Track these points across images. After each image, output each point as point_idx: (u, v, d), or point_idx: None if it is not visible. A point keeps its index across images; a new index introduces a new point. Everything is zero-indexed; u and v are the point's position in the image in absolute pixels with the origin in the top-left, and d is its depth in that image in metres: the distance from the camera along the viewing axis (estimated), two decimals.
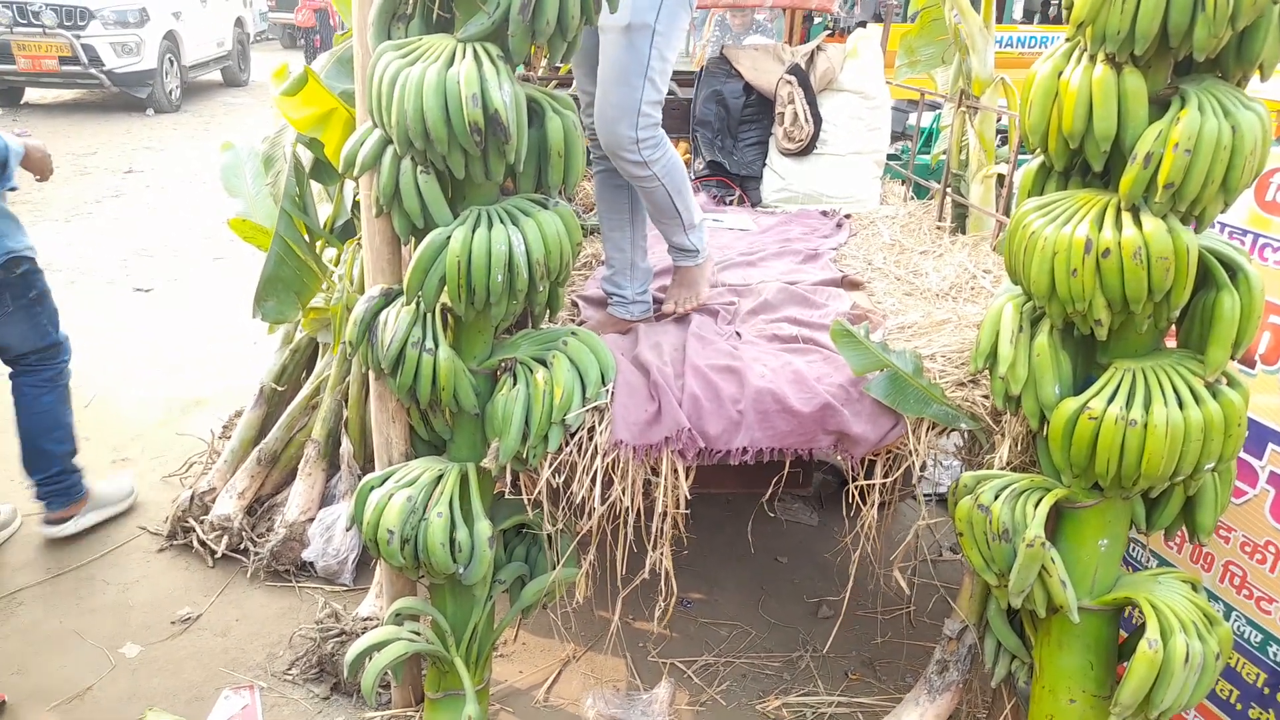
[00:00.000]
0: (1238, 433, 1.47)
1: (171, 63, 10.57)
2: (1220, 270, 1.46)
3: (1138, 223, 1.42)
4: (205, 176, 7.08)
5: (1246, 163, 1.37)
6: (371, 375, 1.97)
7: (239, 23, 12.93)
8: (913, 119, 4.20)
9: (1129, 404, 1.47)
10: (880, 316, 2.32)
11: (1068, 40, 1.47)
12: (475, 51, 1.67)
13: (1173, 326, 1.61)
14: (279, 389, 3.03)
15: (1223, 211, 1.48)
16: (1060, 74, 1.47)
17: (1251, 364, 1.81)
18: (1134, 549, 2.11)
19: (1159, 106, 1.43)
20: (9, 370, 2.70)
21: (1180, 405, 1.45)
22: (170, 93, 10.52)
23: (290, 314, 2.58)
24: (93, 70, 9.47)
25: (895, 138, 4.67)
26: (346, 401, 2.78)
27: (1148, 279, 1.41)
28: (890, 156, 4.03)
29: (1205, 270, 1.49)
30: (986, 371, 1.79)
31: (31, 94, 10.55)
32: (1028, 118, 1.52)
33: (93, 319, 4.53)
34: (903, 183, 3.73)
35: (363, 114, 1.88)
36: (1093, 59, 1.43)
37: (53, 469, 2.69)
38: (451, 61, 1.66)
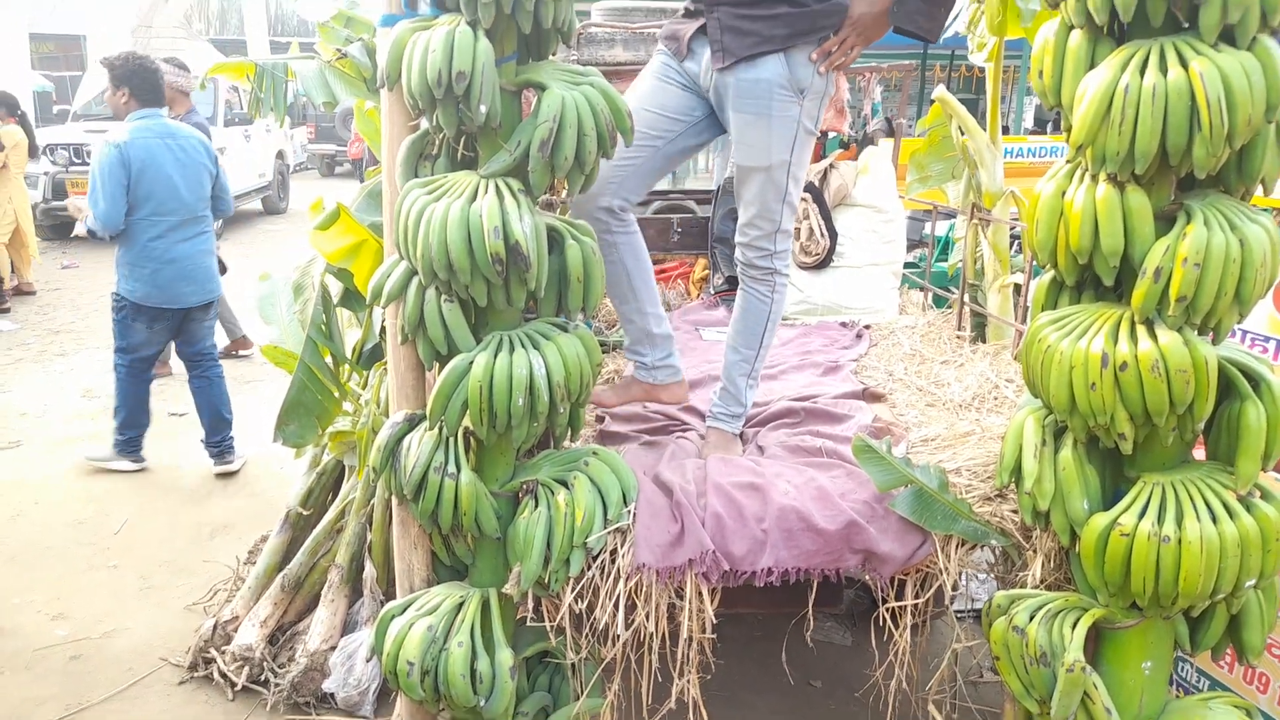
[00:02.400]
0: (1276, 548, 1.42)
1: None
2: (1242, 381, 1.45)
3: (1153, 336, 1.43)
4: (243, 303, 7.30)
5: (1258, 275, 1.38)
6: (394, 501, 1.98)
7: (280, 155, 13.61)
8: (928, 228, 4.29)
9: (1160, 519, 1.43)
10: (903, 429, 2.31)
11: (1068, 161, 1.51)
12: (497, 186, 1.75)
13: (1200, 437, 1.59)
14: (304, 513, 3.04)
15: (1239, 322, 1.48)
16: (1064, 193, 1.51)
17: None
18: (1183, 667, 2.02)
19: (1165, 222, 1.46)
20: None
21: (1214, 520, 1.41)
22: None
23: (310, 438, 2.62)
24: None
25: (912, 246, 4.74)
26: (371, 524, 2.78)
27: (1168, 392, 1.40)
28: (908, 265, 4.09)
29: (1228, 381, 1.48)
30: (1013, 486, 1.76)
31: (81, 227, 11.08)
32: (1035, 236, 1.55)
33: None
34: (921, 290, 3.77)
35: (390, 247, 1.96)
36: (1095, 178, 1.46)
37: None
38: (475, 196, 1.73)
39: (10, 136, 7.47)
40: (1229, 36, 1.35)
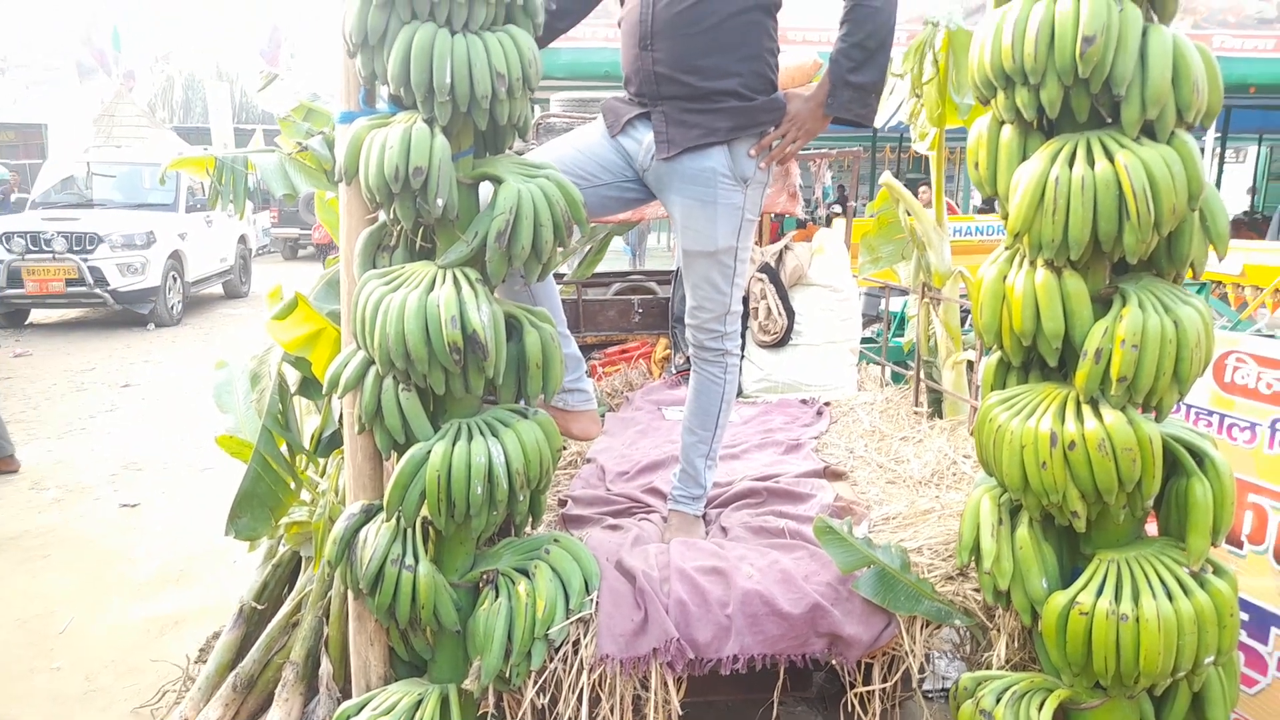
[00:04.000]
0: (1231, 623, 1.44)
1: (175, 279, 11.02)
2: (1188, 458, 1.48)
3: (1098, 415, 1.46)
4: (200, 388, 7.20)
5: (1193, 354, 1.43)
6: (350, 596, 1.93)
7: (242, 239, 13.60)
8: (883, 303, 4.40)
9: (1117, 597, 1.45)
10: (864, 508, 2.32)
11: (1007, 248, 1.57)
12: (455, 276, 1.77)
13: (1153, 512, 1.61)
14: (259, 607, 2.94)
15: (1180, 400, 1.53)
16: (1005, 278, 1.56)
17: (1239, 544, 1.80)
18: None
19: (1102, 304, 1.51)
20: None
21: (1170, 597, 1.43)
22: (172, 308, 10.89)
23: (264, 531, 2.56)
24: (98, 290, 9.85)
25: (868, 321, 4.84)
26: (328, 618, 2.69)
27: (1116, 470, 1.43)
28: (865, 339, 4.16)
29: (1174, 458, 1.52)
30: (974, 565, 1.77)
31: (37, 314, 10.91)
32: (980, 319, 1.60)
33: (74, 539, 4.46)
34: (879, 365, 3.83)
35: (348, 337, 1.96)
36: (1033, 264, 1.51)
37: None
38: (432, 286, 1.75)
39: None
40: (1149, 131, 1.43)
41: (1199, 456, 1.50)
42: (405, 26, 1.66)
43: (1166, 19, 1.49)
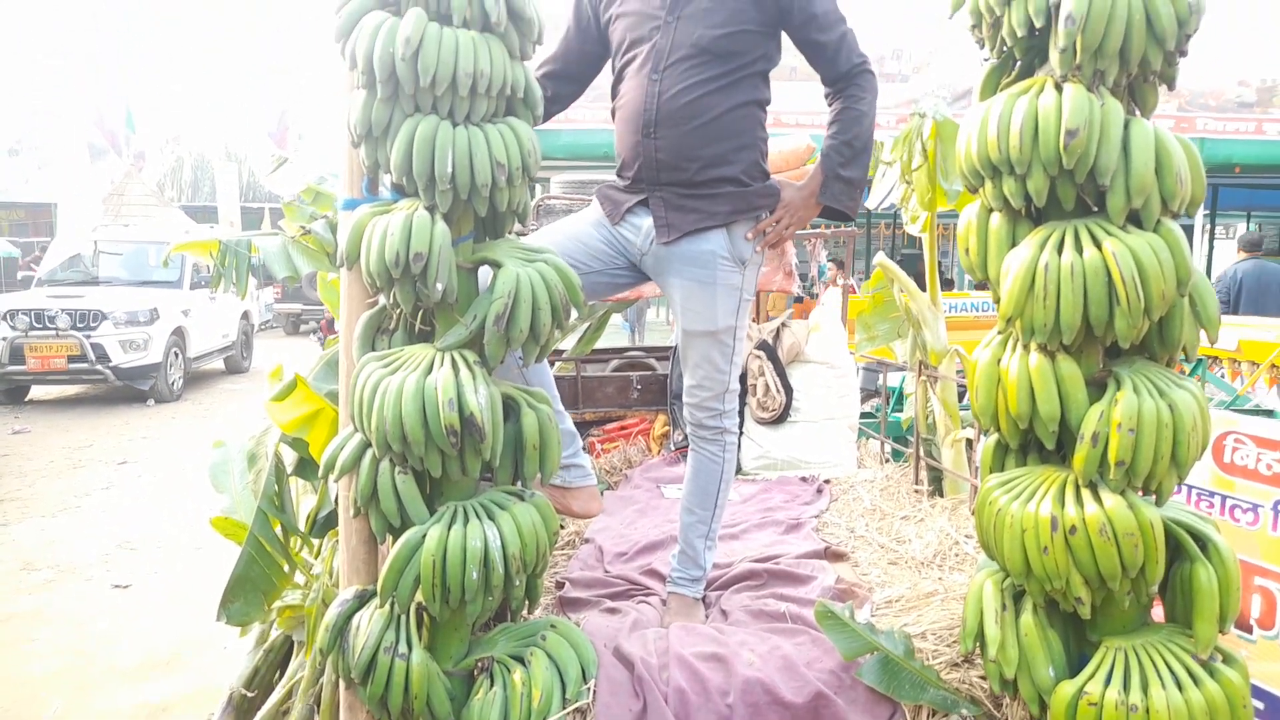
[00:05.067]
0: (1245, 714, 1.40)
1: (177, 355, 11.07)
2: (1190, 543, 1.47)
3: (1098, 499, 1.45)
4: (197, 466, 7.15)
5: (1190, 438, 1.43)
6: (342, 684, 1.88)
7: (245, 315, 13.71)
8: (882, 378, 4.42)
9: (1126, 687, 1.41)
10: (866, 591, 2.28)
11: (999, 332, 1.58)
12: (453, 359, 1.78)
13: (1159, 596, 1.59)
14: (249, 694, 2.86)
15: (1180, 482, 1.52)
16: (999, 361, 1.57)
17: (1249, 629, 1.77)
18: None
19: (1096, 388, 1.51)
20: None
21: (1179, 687, 1.39)
22: (173, 384, 10.91)
23: (256, 616, 2.51)
24: (99, 367, 9.88)
25: (867, 396, 4.85)
26: (319, 706, 2.62)
27: (1119, 556, 1.41)
28: (864, 414, 4.16)
29: (1178, 542, 1.50)
30: (979, 651, 1.73)
31: (37, 390, 10.92)
32: (976, 401, 1.60)
33: (64, 622, 4.38)
34: (879, 441, 3.82)
35: (345, 420, 1.96)
36: (1026, 348, 1.53)
37: None
38: (430, 369, 1.76)
39: None
40: (1136, 220, 1.46)
41: (1202, 541, 1.48)
42: (408, 119, 1.71)
43: (1147, 112, 1.54)
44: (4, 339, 9.63)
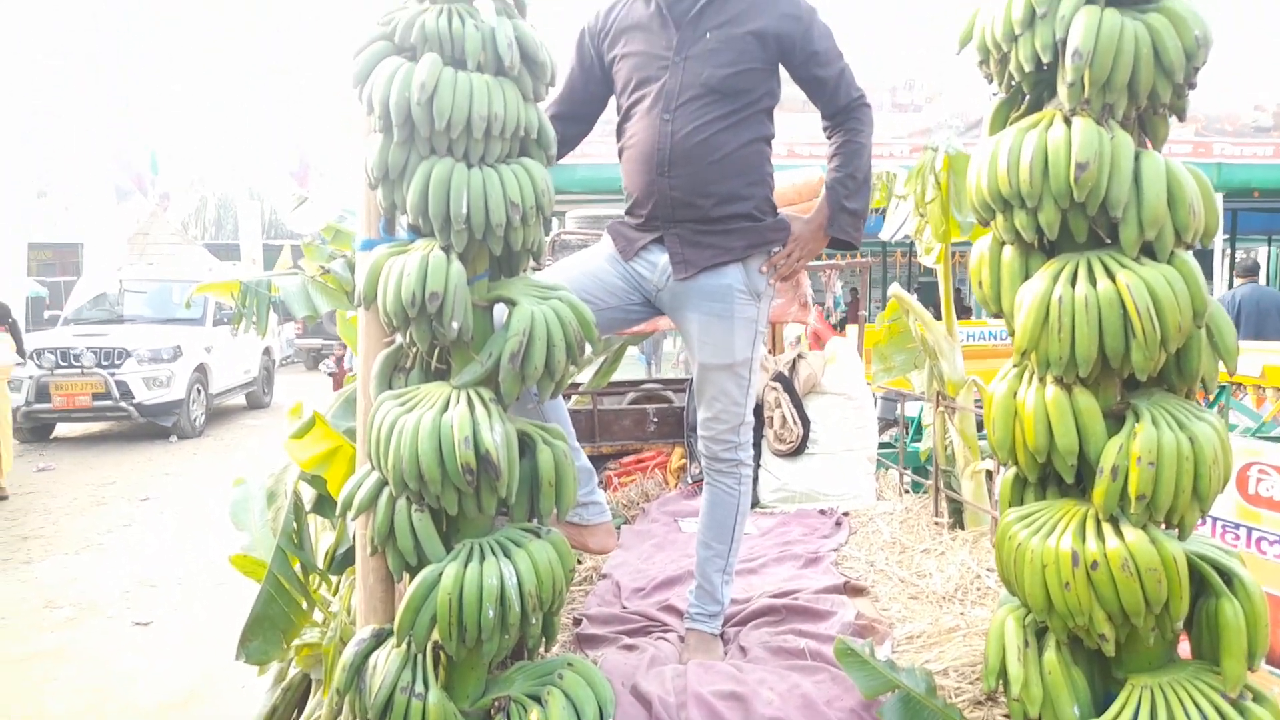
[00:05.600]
0: None
1: (199, 392, 11.18)
2: (1216, 578, 1.45)
3: (1119, 533, 1.43)
4: (218, 501, 7.21)
5: (1211, 471, 1.41)
6: None
7: (267, 351, 13.85)
8: (899, 407, 4.40)
9: None
10: (886, 626, 2.25)
11: (1015, 365, 1.58)
12: (469, 396, 1.79)
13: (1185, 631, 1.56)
14: None
15: (1202, 515, 1.50)
16: (1015, 394, 1.56)
17: None
18: None
19: (1114, 420, 1.50)
20: None
21: None
22: (195, 420, 11.01)
23: (275, 654, 2.51)
24: (123, 404, 10.00)
25: (885, 425, 4.82)
26: None
27: (1142, 591, 1.39)
28: (883, 444, 4.13)
29: (1202, 576, 1.48)
30: (1002, 689, 1.70)
31: (61, 428, 11.05)
32: (993, 435, 1.59)
33: (85, 661, 4.39)
34: (898, 471, 3.79)
35: (362, 458, 1.97)
36: (1042, 380, 1.52)
37: None
38: (446, 407, 1.77)
39: None
40: (1149, 251, 1.46)
41: (1227, 575, 1.46)
42: (424, 162, 1.74)
43: (1158, 144, 1.54)
44: (30, 377, 9.77)
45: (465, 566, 1.75)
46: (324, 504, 2.68)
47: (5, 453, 7.82)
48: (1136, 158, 1.45)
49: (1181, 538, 1.50)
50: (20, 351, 8.03)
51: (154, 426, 10.54)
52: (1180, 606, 1.42)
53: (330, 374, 11.21)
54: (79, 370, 9.92)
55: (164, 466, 9.16)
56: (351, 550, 2.85)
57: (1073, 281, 1.45)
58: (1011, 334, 1.58)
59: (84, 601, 5.28)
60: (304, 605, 2.59)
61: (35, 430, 10.43)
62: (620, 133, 2.25)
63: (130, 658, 4.40)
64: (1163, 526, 1.48)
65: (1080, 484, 1.59)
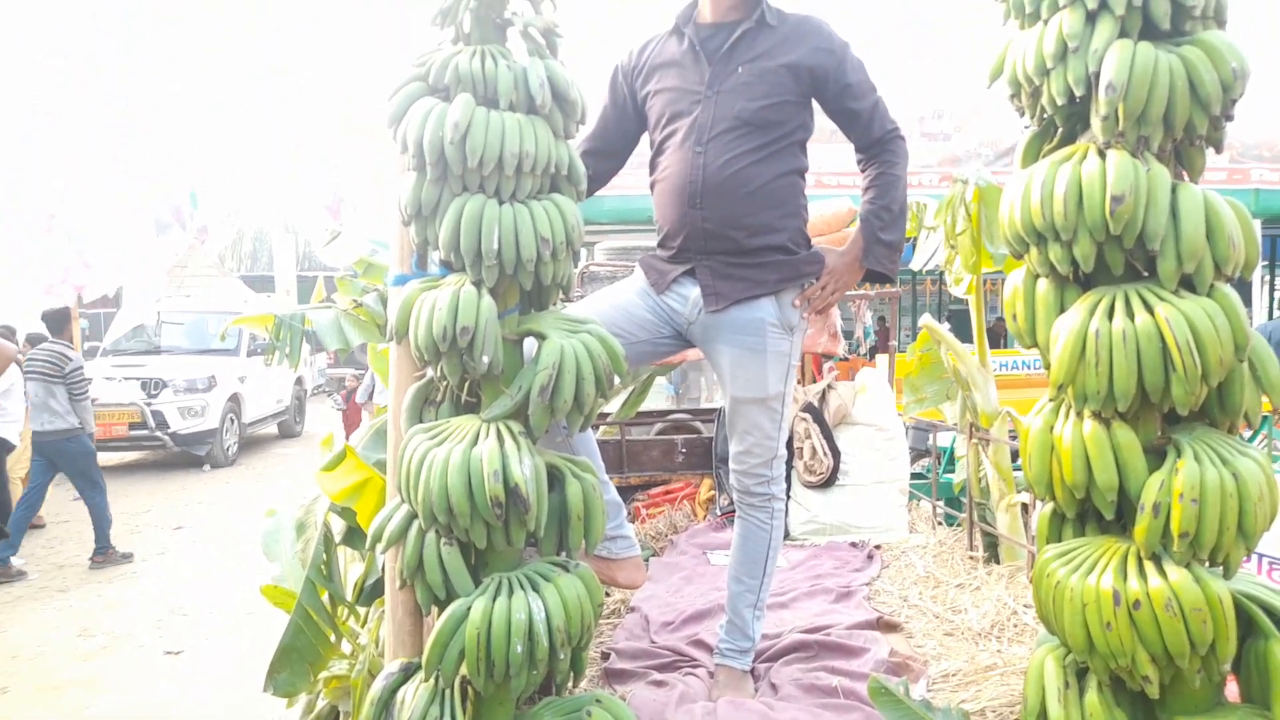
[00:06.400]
0: None
1: (232, 421, 11.33)
2: (1264, 619, 1.40)
3: (1162, 572, 1.40)
4: (250, 530, 7.28)
5: (1257, 508, 1.38)
6: None
7: (299, 381, 14.03)
8: (932, 438, 4.34)
9: None
10: (921, 663, 2.21)
11: (1051, 399, 1.55)
12: (499, 430, 1.79)
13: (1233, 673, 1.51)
14: None
15: (1248, 554, 1.46)
16: (1052, 429, 1.53)
17: None
18: None
19: (1155, 455, 1.47)
20: None
21: None
22: (228, 449, 11.15)
23: (303, 686, 2.51)
24: (159, 433, 10.16)
25: (917, 455, 4.76)
26: None
27: (1186, 632, 1.35)
28: (915, 475, 4.08)
29: (1249, 616, 1.43)
30: None
31: (99, 457, 11.21)
32: (1030, 470, 1.56)
33: (116, 690, 4.43)
34: (930, 503, 3.73)
35: (392, 490, 1.98)
36: (1080, 415, 1.49)
37: None
38: (476, 440, 1.77)
39: None
40: (1188, 284, 1.43)
41: (1276, 616, 1.41)
42: (456, 199, 1.76)
43: (1195, 175, 1.52)
44: None
45: (494, 601, 1.74)
46: (354, 536, 2.69)
47: None
48: (1173, 190, 1.43)
49: (1227, 576, 1.46)
50: None
51: (188, 455, 10.69)
52: (1227, 648, 1.38)
53: (340, 410, 11.16)
54: (117, 400, 10.09)
55: (197, 495, 9.26)
56: (380, 581, 2.86)
57: (1110, 315, 1.43)
58: (1047, 367, 1.55)
59: (117, 630, 5.34)
60: (332, 637, 2.60)
61: None
62: (653, 167, 2.27)
63: (163, 687, 4.42)
64: (1207, 565, 1.44)
65: (1120, 520, 1.55)
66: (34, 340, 8.08)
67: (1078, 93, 1.46)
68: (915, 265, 3.61)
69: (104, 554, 6.71)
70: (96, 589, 6.16)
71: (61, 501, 8.85)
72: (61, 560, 6.96)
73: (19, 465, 7.51)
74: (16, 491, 7.51)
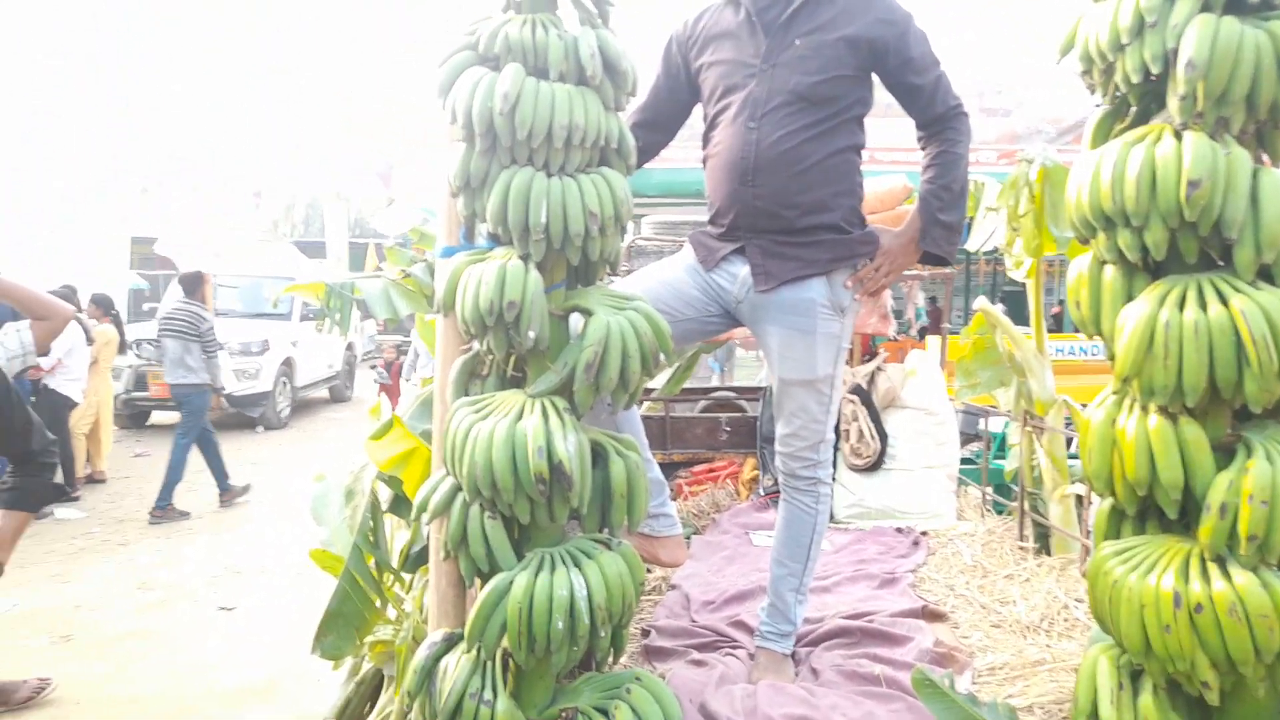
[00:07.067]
0: None
1: (285, 384, 11.57)
2: None
3: (1227, 575, 1.34)
4: (300, 493, 7.45)
5: None
6: None
7: (350, 346, 14.26)
8: (983, 423, 4.24)
9: None
10: (967, 655, 2.17)
11: (1114, 392, 1.49)
12: (544, 406, 1.79)
13: None
14: None
15: None
16: (1115, 422, 1.48)
17: None
18: None
19: (1224, 453, 1.41)
20: None
21: None
22: (280, 412, 11.40)
23: (348, 649, 2.56)
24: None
25: (967, 440, 4.67)
26: None
27: (1251, 638, 1.30)
28: (964, 460, 4.00)
29: None
30: None
31: (157, 415, 11.57)
32: (1089, 465, 1.51)
33: (171, 643, 4.59)
34: (980, 489, 3.65)
35: (438, 463, 1.99)
36: (1144, 409, 1.43)
37: None
38: (521, 416, 1.77)
39: (103, 335, 8.01)
40: (1267, 275, 1.36)
41: None
42: (505, 171, 1.74)
43: (1278, 159, 1.44)
44: (130, 367, 10.26)
45: (536, 576, 1.75)
46: (400, 504, 2.73)
47: (106, 438, 8.23)
48: (1254, 175, 1.35)
49: None
50: (122, 344, 8.46)
51: (242, 417, 10.96)
52: None
53: (381, 384, 11.01)
54: None
55: (251, 456, 9.50)
56: (425, 549, 2.89)
57: (1180, 305, 1.36)
58: (1111, 358, 1.49)
59: (174, 584, 5.52)
60: (377, 603, 2.64)
61: (133, 417, 10.95)
62: (706, 141, 2.22)
63: (215, 642, 4.56)
64: (1275, 569, 1.38)
65: (1183, 519, 1.49)
66: (99, 301, 8.33)
67: (1154, 70, 1.39)
68: (971, 246, 3.50)
69: (163, 509, 6.98)
70: (155, 544, 6.36)
71: (123, 458, 9.16)
72: (122, 515, 7.20)
73: (83, 421, 7.77)
74: (80, 448, 7.79)
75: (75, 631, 4.71)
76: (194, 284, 7.84)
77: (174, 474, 7.04)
